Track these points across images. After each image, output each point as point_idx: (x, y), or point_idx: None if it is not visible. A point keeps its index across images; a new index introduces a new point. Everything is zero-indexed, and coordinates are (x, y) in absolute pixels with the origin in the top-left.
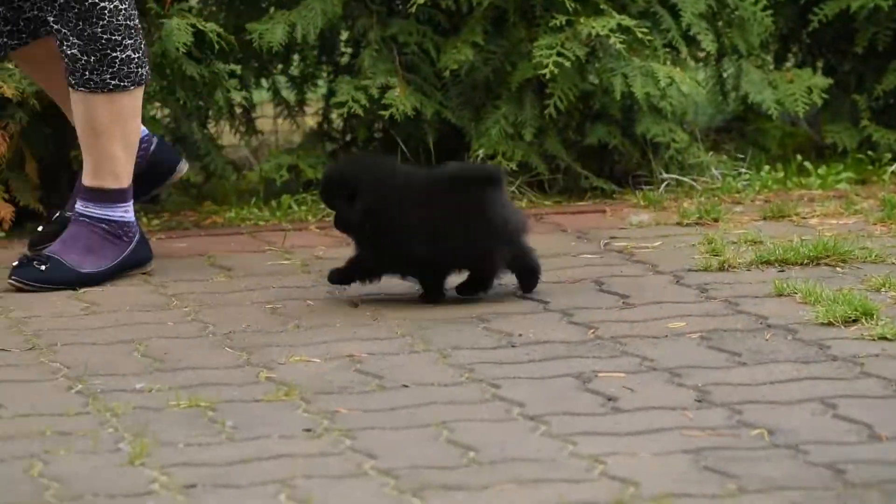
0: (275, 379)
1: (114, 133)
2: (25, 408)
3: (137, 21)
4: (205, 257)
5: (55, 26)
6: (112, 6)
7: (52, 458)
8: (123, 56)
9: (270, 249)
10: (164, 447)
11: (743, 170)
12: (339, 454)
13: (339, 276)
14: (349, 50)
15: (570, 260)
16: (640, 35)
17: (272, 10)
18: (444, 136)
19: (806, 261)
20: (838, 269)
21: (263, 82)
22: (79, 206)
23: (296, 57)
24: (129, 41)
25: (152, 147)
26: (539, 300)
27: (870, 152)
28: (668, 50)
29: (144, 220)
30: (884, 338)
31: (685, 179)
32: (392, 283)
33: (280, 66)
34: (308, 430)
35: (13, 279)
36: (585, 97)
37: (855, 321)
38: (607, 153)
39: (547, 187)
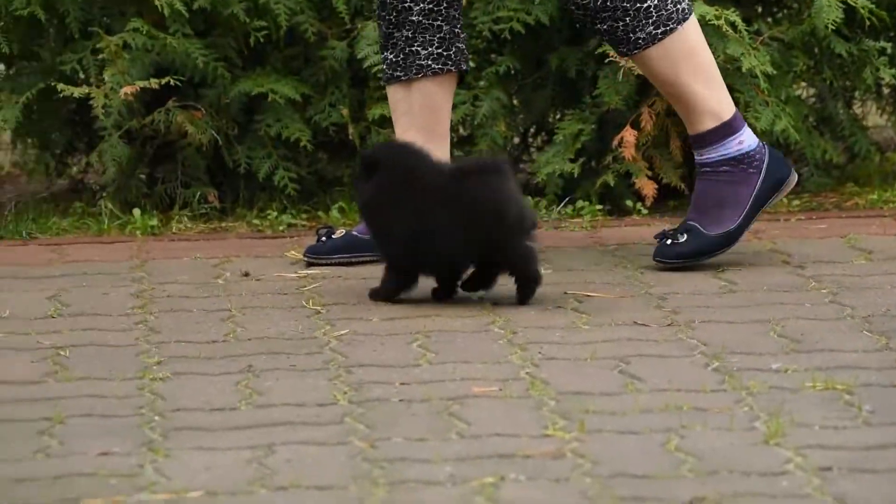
0: None
1: (685, 75)
2: (663, 382)
3: None
4: (844, 239)
5: (578, 13)
6: None
7: (688, 433)
8: (655, 2)
9: None
10: (800, 428)
11: None
12: None
13: (374, 292)
14: None
15: None
16: None
17: None
18: None
19: None
20: None
21: None
22: (697, 159)
23: None
24: None
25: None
26: None
27: None
28: None
29: (784, 200)
30: None
31: None
32: None
33: None
34: None
35: (657, 259)
36: None
37: None
38: None
39: None
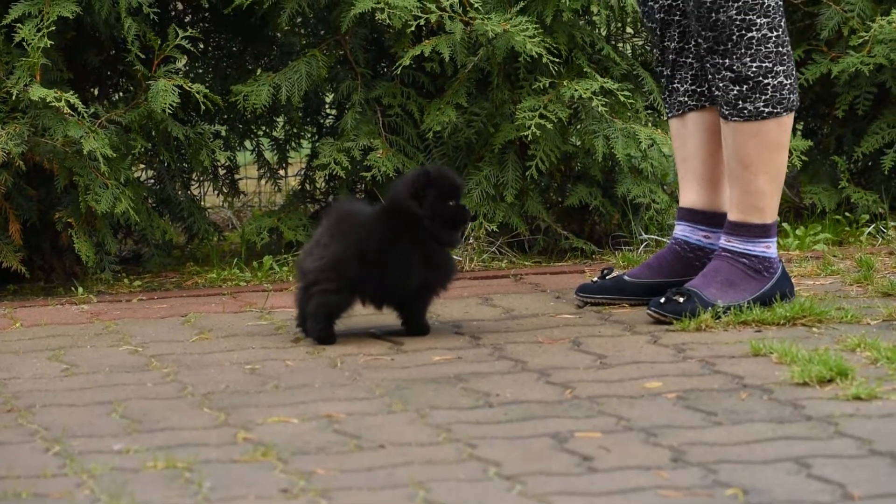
0: (252, 439)
1: (760, 166)
2: (2, 470)
3: (790, 47)
4: (185, 318)
5: (706, 57)
6: (760, 35)
7: None
8: (776, 82)
9: (251, 310)
10: None
11: None
12: None
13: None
14: (333, 112)
15: (547, 320)
16: (622, 98)
17: (258, 72)
18: None
19: (782, 321)
20: (814, 329)
21: (248, 144)
22: (722, 240)
23: (280, 119)
24: (780, 67)
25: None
26: (517, 360)
27: (847, 213)
28: (649, 112)
29: (126, 280)
30: (858, 398)
31: (664, 240)
32: (372, 343)
33: (264, 128)
34: (285, 491)
35: (652, 310)
36: (567, 158)
37: (830, 381)
38: (588, 214)
39: (527, 247)
